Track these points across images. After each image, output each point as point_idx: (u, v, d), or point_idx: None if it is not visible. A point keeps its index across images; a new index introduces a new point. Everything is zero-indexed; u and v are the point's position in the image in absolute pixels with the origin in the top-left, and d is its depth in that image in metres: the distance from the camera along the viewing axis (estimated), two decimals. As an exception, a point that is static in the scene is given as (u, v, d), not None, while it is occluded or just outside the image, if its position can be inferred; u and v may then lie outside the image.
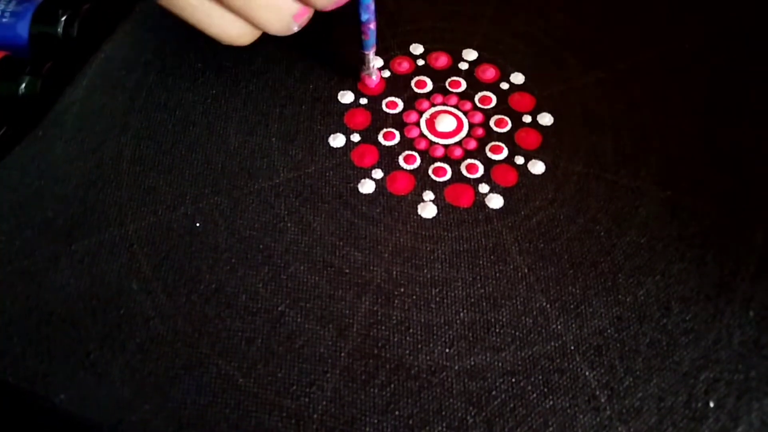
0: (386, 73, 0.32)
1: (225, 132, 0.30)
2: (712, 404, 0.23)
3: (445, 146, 0.30)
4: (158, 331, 0.25)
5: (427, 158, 0.29)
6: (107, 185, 0.29)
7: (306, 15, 0.25)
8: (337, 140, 0.30)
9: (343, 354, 0.24)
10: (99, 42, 0.34)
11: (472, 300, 0.25)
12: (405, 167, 0.29)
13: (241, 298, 0.26)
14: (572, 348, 0.24)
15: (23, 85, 0.33)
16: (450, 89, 0.32)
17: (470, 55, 0.33)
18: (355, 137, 0.30)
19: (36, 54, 0.34)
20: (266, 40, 0.32)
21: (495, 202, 0.28)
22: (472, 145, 0.30)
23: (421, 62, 0.33)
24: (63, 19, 0.34)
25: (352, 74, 0.32)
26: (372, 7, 0.28)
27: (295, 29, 0.26)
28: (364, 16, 0.28)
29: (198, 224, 0.27)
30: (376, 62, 0.31)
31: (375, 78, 0.30)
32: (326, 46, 0.33)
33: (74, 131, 0.30)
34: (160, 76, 0.32)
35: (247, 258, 0.26)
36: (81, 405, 0.23)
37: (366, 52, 0.29)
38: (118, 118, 0.31)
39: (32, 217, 0.28)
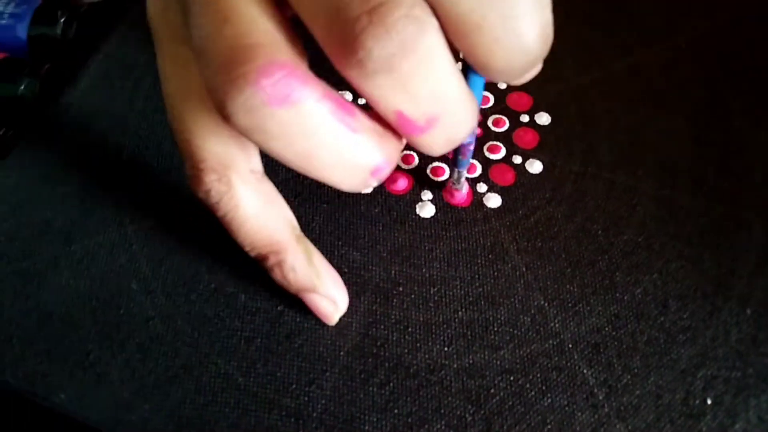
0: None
1: (224, 132, 0.30)
2: (709, 401, 0.23)
3: (443, 146, 0.30)
4: (158, 330, 0.25)
5: (426, 157, 0.29)
6: (106, 186, 0.29)
7: (388, 169, 0.19)
8: (335, 140, 0.30)
9: (342, 353, 0.24)
10: (97, 43, 0.34)
11: (471, 299, 0.25)
12: (403, 167, 0.29)
13: (240, 297, 0.26)
14: (570, 346, 0.24)
15: (22, 87, 0.33)
16: (448, 89, 0.32)
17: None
18: (354, 137, 0.30)
19: (35, 55, 0.35)
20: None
21: (493, 201, 0.28)
22: (470, 144, 0.30)
23: (418, 62, 0.33)
24: (62, 20, 0.34)
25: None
26: (476, 129, 0.25)
27: (374, 184, 0.20)
28: (468, 139, 0.24)
29: (197, 224, 0.27)
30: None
31: (464, 191, 0.28)
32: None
33: (73, 132, 0.30)
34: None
35: (246, 258, 0.26)
36: (81, 405, 0.23)
37: (461, 170, 0.27)
38: (117, 119, 0.31)
39: (31, 217, 0.28)
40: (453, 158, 0.26)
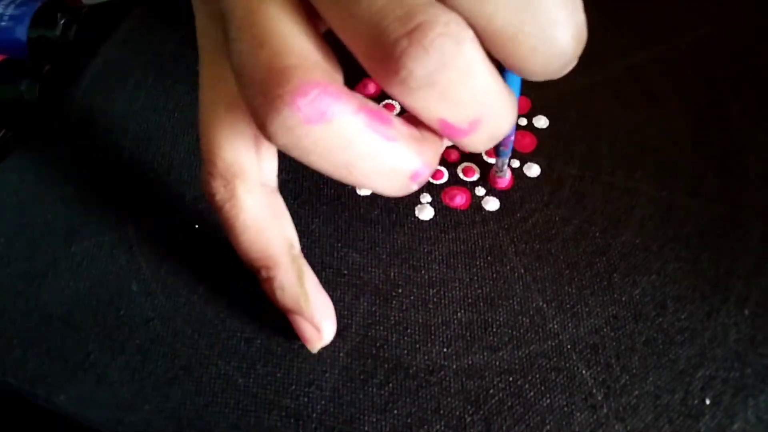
0: (383, 77, 0.32)
1: (223, 135, 0.30)
2: (708, 401, 0.23)
3: (442, 148, 0.30)
4: (158, 332, 0.25)
5: (425, 160, 0.29)
6: (106, 187, 0.29)
7: (427, 172, 0.20)
8: (335, 143, 0.30)
9: (341, 354, 0.24)
10: (97, 45, 0.34)
11: (470, 300, 0.26)
12: (402, 169, 0.29)
13: (240, 298, 0.26)
14: (569, 347, 0.24)
15: (22, 89, 0.33)
16: (447, 92, 0.32)
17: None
18: (353, 140, 0.30)
19: (35, 57, 0.35)
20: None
21: (491, 204, 0.28)
22: (469, 147, 0.30)
23: (417, 65, 0.33)
24: (61, 22, 0.34)
25: (350, 76, 0.32)
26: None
27: (415, 188, 0.20)
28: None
29: (197, 225, 0.27)
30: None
31: (507, 177, 0.29)
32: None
33: (74, 134, 0.30)
34: (159, 78, 0.32)
35: (246, 259, 0.27)
36: (81, 406, 0.23)
37: (504, 159, 0.28)
38: (117, 120, 0.31)
39: (32, 219, 0.28)
40: (495, 150, 0.27)
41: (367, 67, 0.17)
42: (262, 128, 0.17)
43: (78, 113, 0.31)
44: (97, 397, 0.24)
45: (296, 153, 0.18)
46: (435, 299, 0.26)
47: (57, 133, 0.31)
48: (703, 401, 0.23)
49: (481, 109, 0.18)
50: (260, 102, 0.17)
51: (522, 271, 0.26)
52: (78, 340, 0.25)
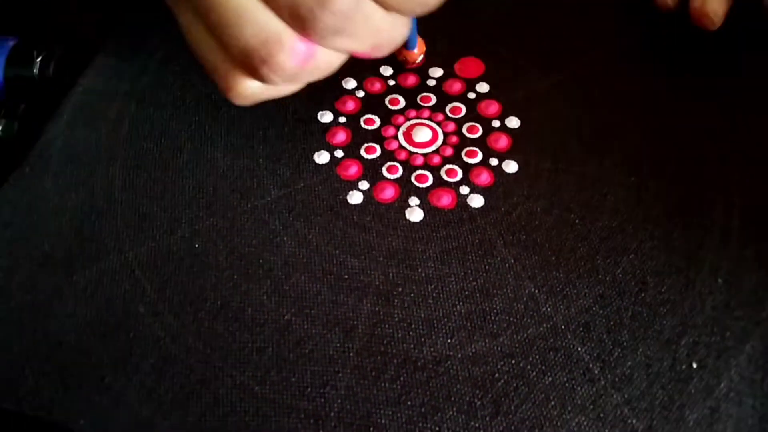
0: (360, 93, 0.34)
1: (213, 156, 0.31)
2: (695, 365, 0.25)
3: (424, 155, 0.31)
4: (170, 350, 0.26)
5: (409, 167, 0.31)
6: (101, 215, 0.29)
7: None
8: (321, 157, 0.31)
9: (351, 354, 0.25)
10: (75, 80, 0.34)
11: (466, 293, 0.27)
12: (389, 177, 0.31)
13: (247, 311, 0.26)
14: (563, 327, 0.26)
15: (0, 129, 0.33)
16: (422, 104, 0.33)
17: (436, 72, 0.35)
18: (339, 153, 0.31)
19: (11, 96, 0.35)
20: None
21: (476, 201, 0.30)
22: (449, 152, 0.32)
23: (391, 82, 0.34)
24: (38, 60, 0.34)
25: (329, 95, 0.33)
26: None
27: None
28: None
29: (197, 245, 0.28)
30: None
31: (416, 50, 0.34)
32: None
33: (61, 165, 0.31)
34: (141, 105, 0.33)
35: (249, 273, 0.27)
36: (102, 428, 0.24)
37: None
38: (105, 149, 0.31)
39: (29, 251, 0.28)
40: None
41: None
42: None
43: (63, 143, 0.32)
44: (117, 418, 0.24)
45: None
46: (434, 294, 0.27)
47: (44, 166, 0.31)
48: (691, 365, 0.25)
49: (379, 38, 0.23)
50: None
51: (512, 261, 0.28)
52: (91, 366, 0.25)
